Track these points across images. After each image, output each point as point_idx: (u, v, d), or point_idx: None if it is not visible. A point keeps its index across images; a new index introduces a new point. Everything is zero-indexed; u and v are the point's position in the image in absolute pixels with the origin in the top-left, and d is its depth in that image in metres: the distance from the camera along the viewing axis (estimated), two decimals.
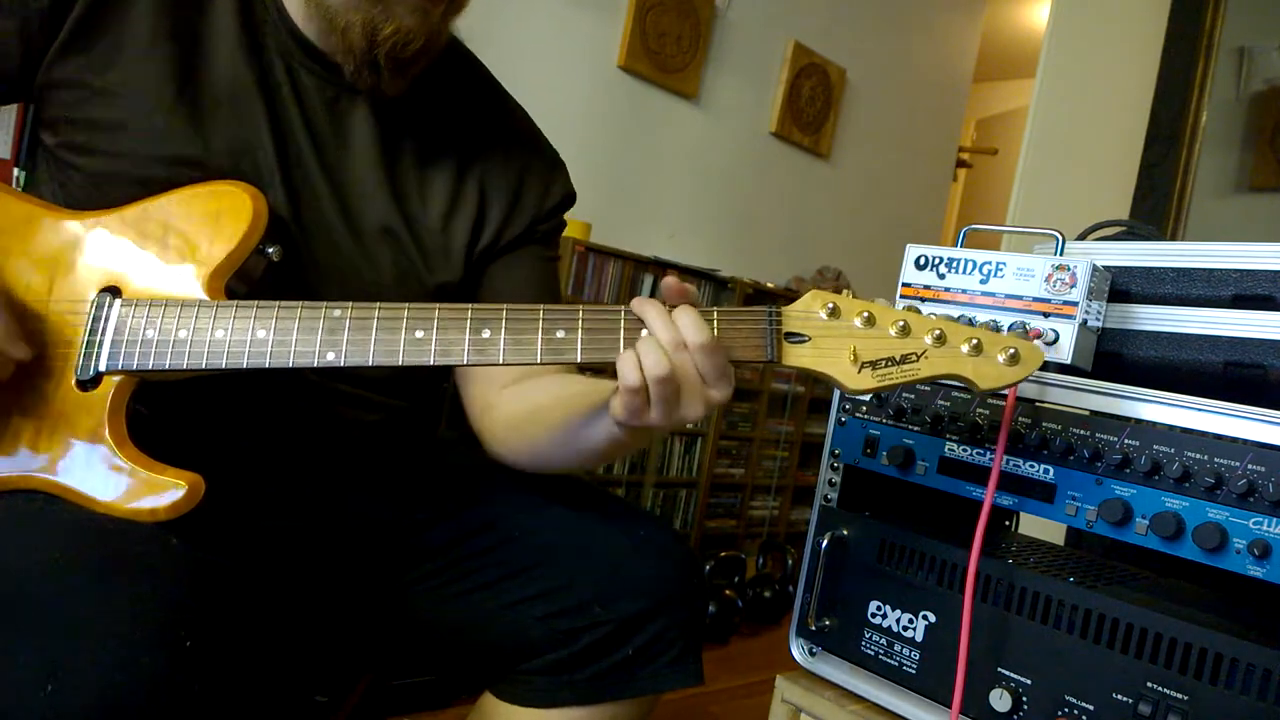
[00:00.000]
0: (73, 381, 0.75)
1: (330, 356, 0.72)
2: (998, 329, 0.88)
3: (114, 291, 0.77)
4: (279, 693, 1.03)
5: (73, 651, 0.60)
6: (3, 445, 0.74)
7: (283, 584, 0.89)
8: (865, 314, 0.71)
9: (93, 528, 0.70)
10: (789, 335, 0.72)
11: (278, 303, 0.74)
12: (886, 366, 0.71)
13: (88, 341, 0.75)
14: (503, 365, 0.73)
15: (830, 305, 0.72)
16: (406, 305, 0.73)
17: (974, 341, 0.71)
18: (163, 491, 0.72)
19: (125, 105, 0.81)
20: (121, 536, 0.70)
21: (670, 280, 0.73)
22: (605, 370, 0.76)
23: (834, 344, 0.72)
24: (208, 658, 0.65)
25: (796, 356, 0.72)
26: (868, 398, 0.95)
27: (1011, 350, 0.70)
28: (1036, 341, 0.85)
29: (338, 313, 0.73)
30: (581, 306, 0.73)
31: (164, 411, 0.81)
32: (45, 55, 0.81)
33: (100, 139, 0.81)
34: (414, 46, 0.84)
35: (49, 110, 0.83)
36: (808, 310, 0.72)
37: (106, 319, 0.75)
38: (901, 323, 0.71)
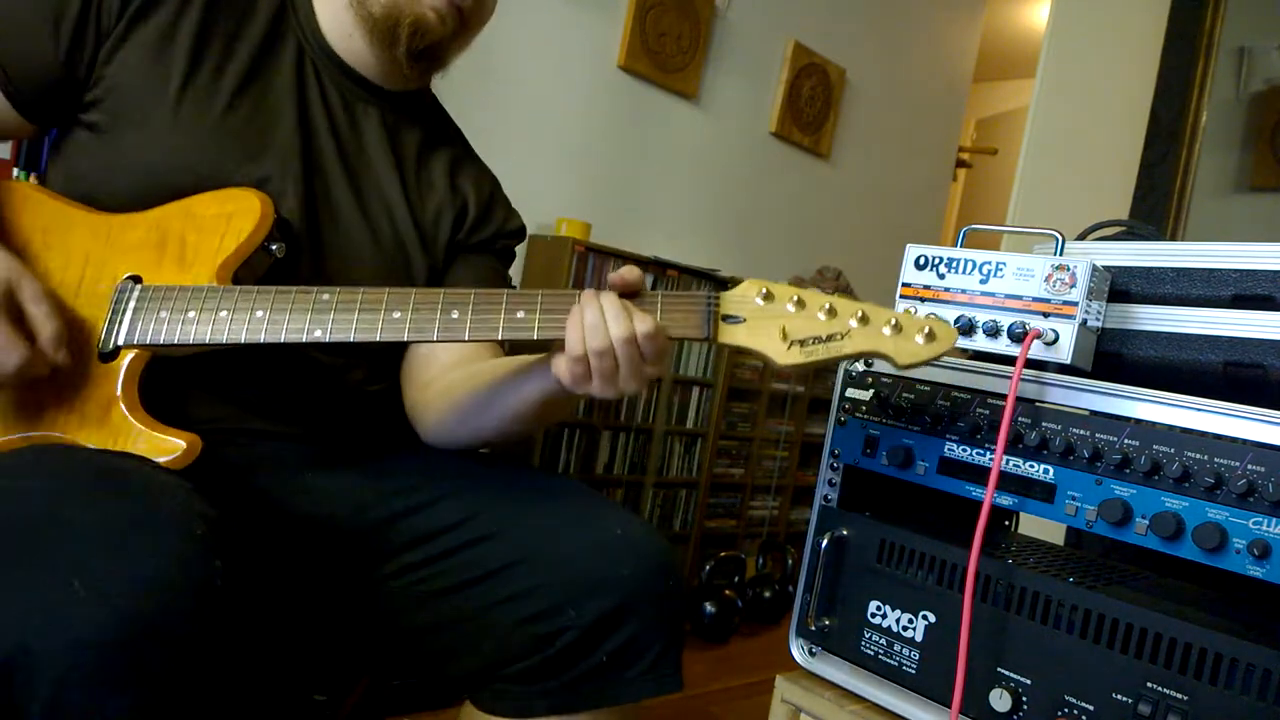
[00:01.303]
0: (96, 354, 0.84)
1: (318, 333, 0.81)
2: (996, 329, 0.88)
3: (136, 279, 0.86)
4: (278, 692, 1.02)
5: (120, 565, 0.61)
6: (34, 407, 0.83)
7: (269, 554, 0.90)
8: (796, 298, 0.79)
9: (112, 464, 0.73)
10: (726, 317, 0.80)
11: (275, 287, 0.83)
12: (813, 344, 0.78)
13: (109, 320, 0.84)
14: (469, 340, 0.82)
15: (765, 291, 0.80)
16: (386, 290, 0.82)
17: (893, 322, 0.78)
18: (165, 449, 0.80)
19: (160, 91, 0.90)
20: (141, 474, 0.73)
21: (614, 277, 0.80)
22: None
23: (766, 324, 0.79)
24: (232, 582, 0.66)
25: (731, 335, 0.80)
26: (868, 395, 0.95)
27: (927, 330, 0.78)
28: (1036, 341, 0.86)
29: (326, 296, 0.83)
30: (541, 291, 0.81)
31: (173, 383, 0.88)
32: (108, 41, 0.90)
33: (131, 118, 0.89)
34: (429, 39, 0.97)
35: (90, 92, 0.91)
36: (744, 295, 0.80)
37: (127, 300, 0.85)
38: (828, 305, 0.78)
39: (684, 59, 3.02)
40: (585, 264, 2.57)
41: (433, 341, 0.81)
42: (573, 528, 0.92)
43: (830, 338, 0.77)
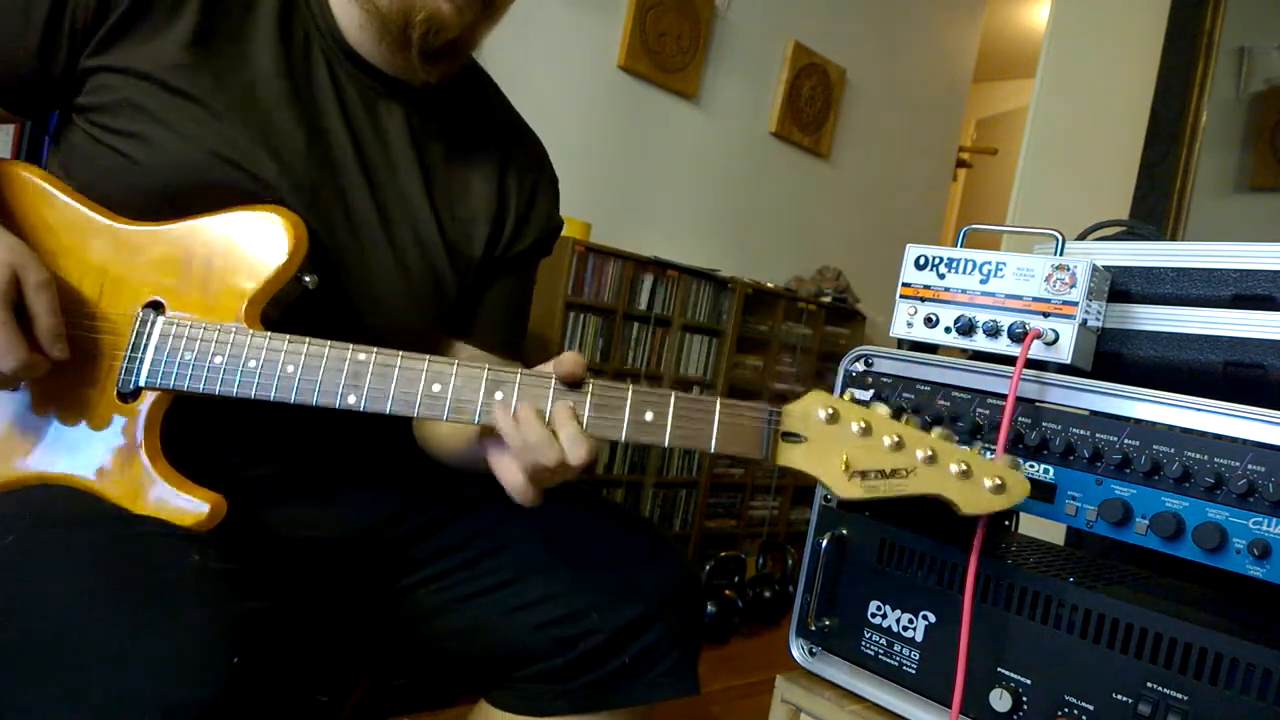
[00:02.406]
0: (114, 393, 0.78)
1: (351, 400, 0.77)
2: (996, 329, 0.88)
3: (157, 307, 0.80)
4: (281, 692, 1.02)
5: (124, 686, 0.60)
6: (48, 444, 0.78)
7: (289, 586, 0.89)
8: (863, 423, 0.73)
9: (119, 552, 0.70)
10: (786, 435, 0.74)
11: (307, 339, 0.77)
12: (876, 479, 0.73)
13: (130, 356, 0.78)
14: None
15: (830, 410, 0.74)
16: (427, 357, 0.76)
17: (963, 466, 0.72)
18: (188, 508, 0.77)
19: (162, 100, 0.82)
20: (150, 559, 0.70)
21: (562, 361, 0.74)
22: None
23: (828, 449, 0.73)
24: (253, 670, 0.64)
25: (789, 457, 0.74)
26: (869, 396, 0.95)
27: (998, 480, 0.72)
28: (1035, 341, 0.86)
29: (362, 356, 0.77)
30: (593, 382, 0.74)
31: (184, 409, 0.83)
32: (89, 42, 0.82)
33: (136, 130, 0.82)
34: (446, 35, 0.86)
35: (87, 98, 0.84)
36: (807, 411, 0.74)
37: (149, 335, 0.79)
38: (897, 437, 0.73)
39: (684, 59, 3.02)
40: (585, 264, 2.56)
41: (473, 424, 0.75)
42: (596, 536, 0.92)
43: (894, 473, 0.73)
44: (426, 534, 0.93)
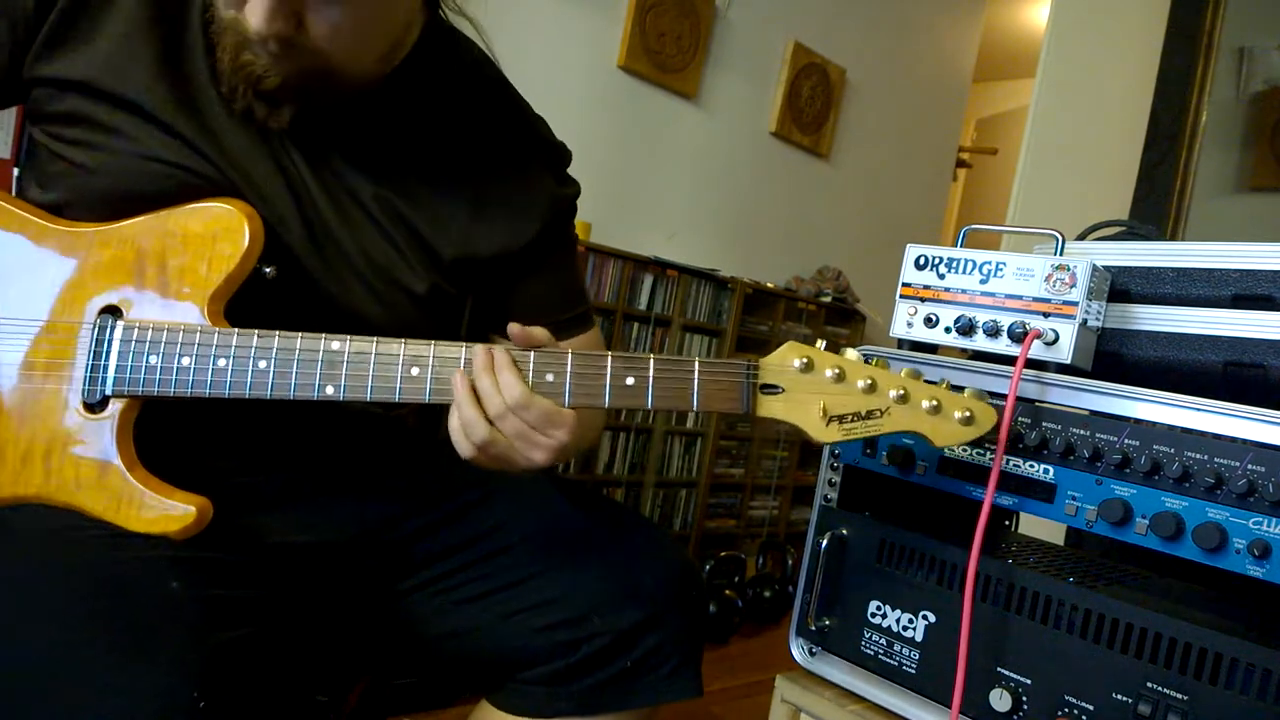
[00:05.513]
0: (80, 404, 0.76)
1: (329, 390, 0.75)
2: (996, 329, 0.88)
3: (114, 312, 0.77)
4: (281, 693, 1.02)
5: None
6: (18, 464, 0.76)
7: (284, 591, 0.89)
8: (837, 369, 0.76)
9: (96, 581, 0.68)
10: (764, 386, 0.76)
11: (277, 333, 0.75)
12: (852, 421, 0.76)
13: (92, 365, 0.76)
14: None
15: (805, 359, 0.76)
16: (403, 341, 0.76)
17: (934, 402, 0.76)
18: (172, 516, 0.75)
19: (110, 107, 0.79)
20: (127, 588, 0.68)
21: (513, 328, 0.75)
22: None
23: (805, 397, 0.76)
24: (221, 709, 0.64)
25: (769, 408, 0.76)
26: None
27: (968, 412, 0.76)
28: (1036, 341, 0.86)
29: (336, 345, 0.75)
30: (571, 353, 0.75)
31: (168, 417, 0.81)
32: (29, 52, 0.79)
33: (85, 139, 0.79)
34: (269, 83, 0.76)
35: (36, 107, 0.81)
36: (783, 363, 0.76)
37: (109, 342, 0.76)
38: (869, 380, 0.76)
39: (684, 59, 3.02)
40: (585, 264, 2.56)
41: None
42: (598, 537, 0.92)
43: (869, 414, 0.76)
44: (427, 536, 0.93)
